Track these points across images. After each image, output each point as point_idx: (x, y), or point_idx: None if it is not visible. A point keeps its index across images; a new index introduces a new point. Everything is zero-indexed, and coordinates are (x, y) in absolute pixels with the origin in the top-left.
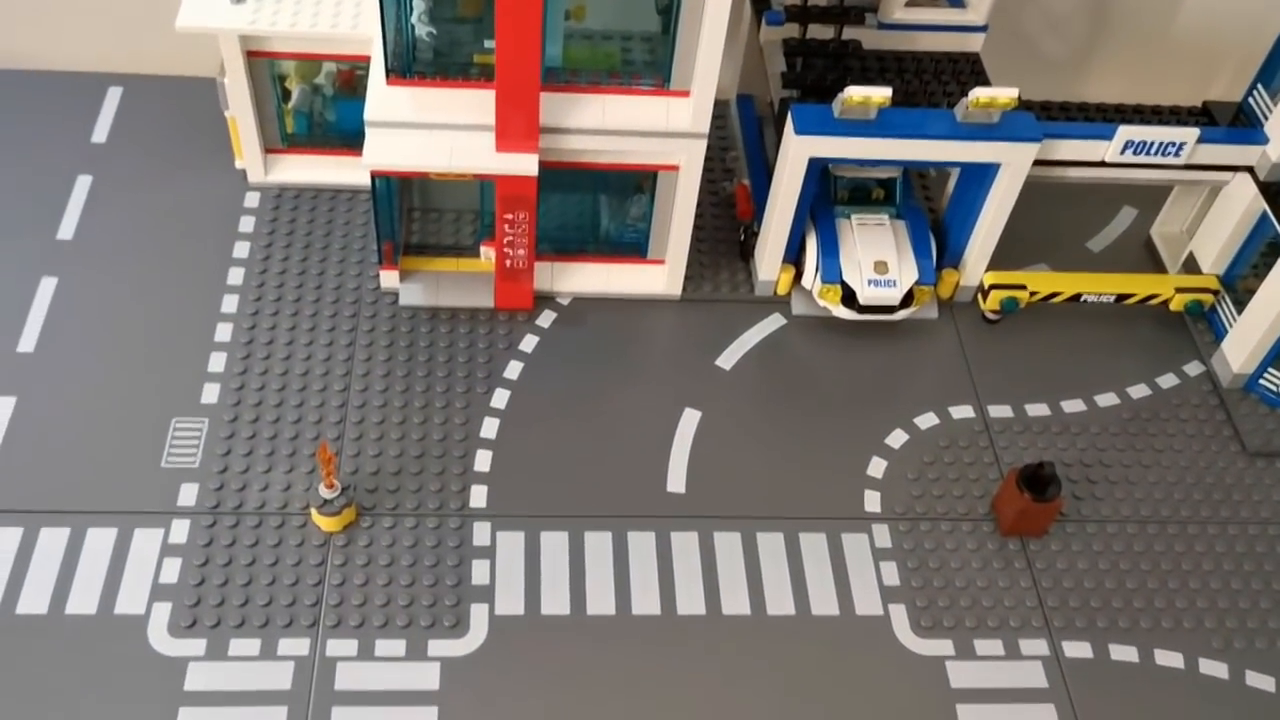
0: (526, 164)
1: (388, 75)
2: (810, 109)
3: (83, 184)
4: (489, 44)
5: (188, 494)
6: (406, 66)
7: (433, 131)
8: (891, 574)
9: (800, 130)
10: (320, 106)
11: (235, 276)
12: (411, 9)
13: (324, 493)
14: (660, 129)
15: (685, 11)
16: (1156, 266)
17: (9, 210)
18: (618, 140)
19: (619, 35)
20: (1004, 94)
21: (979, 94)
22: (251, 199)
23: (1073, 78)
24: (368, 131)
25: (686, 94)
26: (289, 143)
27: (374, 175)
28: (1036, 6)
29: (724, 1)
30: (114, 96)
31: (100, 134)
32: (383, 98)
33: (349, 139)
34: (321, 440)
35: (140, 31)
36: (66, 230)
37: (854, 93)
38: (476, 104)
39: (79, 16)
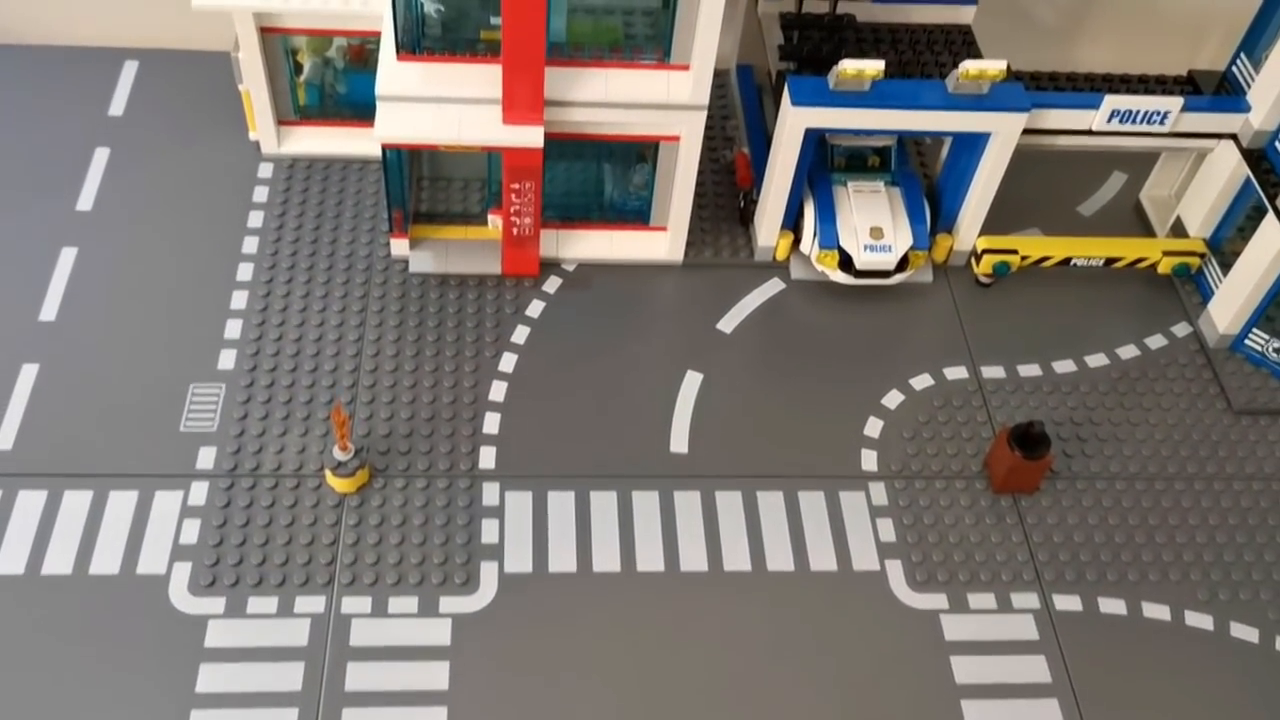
0: (532, 136)
1: (398, 51)
2: (806, 81)
3: (100, 156)
4: (495, 20)
5: (206, 457)
6: (416, 42)
7: (441, 105)
8: (888, 530)
9: (797, 102)
10: (331, 79)
11: (250, 245)
12: None
13: (338, 455)
14: (661, 102)
15: None
16: (1146, 229)
17: (30, 182)
18: (620, 113)
19: (620, 10)
20: (993, 66)
21: (969, 66)
22: (265, 169)
23: (1063, 45)
24: (379, 106)
25: (686, 68)
26: (301, 114)
27: (385, 147)
28: None
29: None
30: (130, 70)
31: (117, 107)
32: (393, 73)
33: (360, 110)
34: (336, 403)
35: (155, 6)
36: (85, 201)
37: (848, 66)
38: (484, 78)
39: None
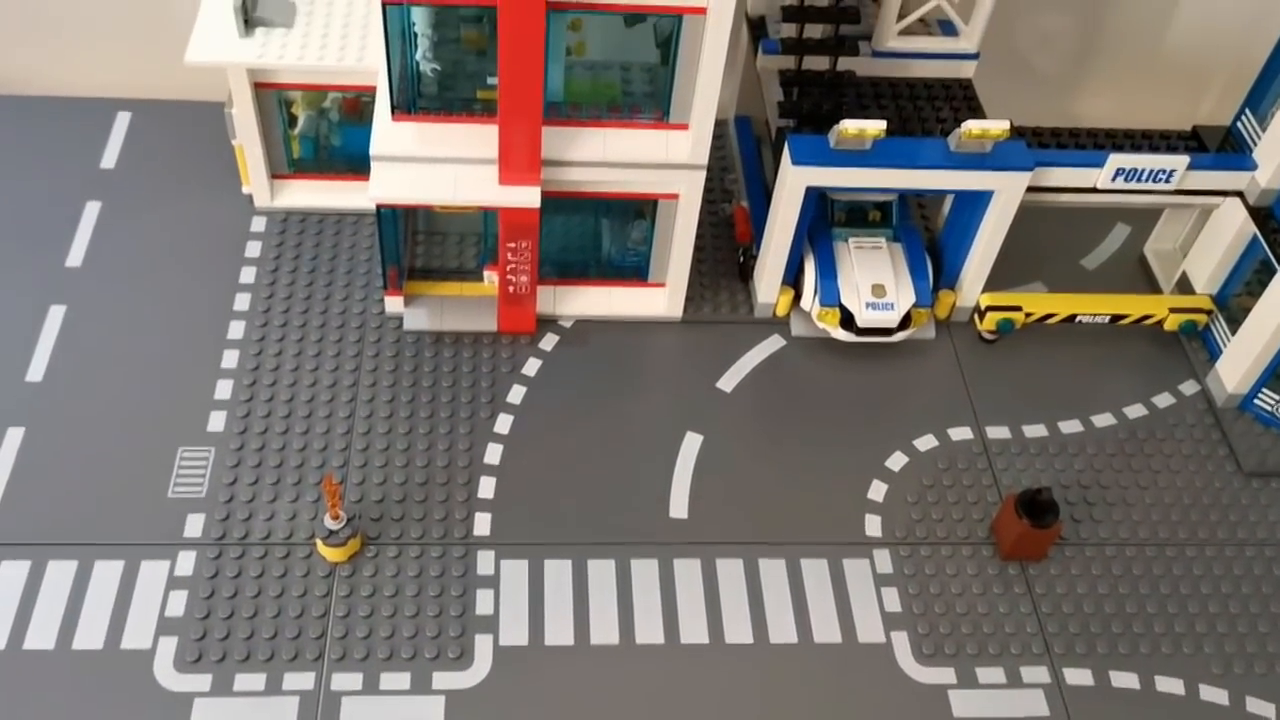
0: (529, 196)
1: (393, 111)
2: (807, 140)
3: (91, 210)
4: (492, 80)
5: (194, 524)
6: (411, 102)
7: (437, 165)
8: (893, 600)
9: (797, 161)
10: (326, 132)
11: (242, 302)
12: (416, 46)
13: (329, 524)
14: (660, 161)
15: (684, 48)
16: (1150, 283)
17: (19, 237)
18: (618, 172)
19: (618, 66)
20: (996, 126)
21: (971, 126)
22: (258, 223)
23: (1064, 97)
24: (373, 166)
25: (685, 127)
26: (295, 168)
27: (379, 207)
28: (1027, 25)
29: (721, 39)
30: (123, 121)
31: (109, 160)
32: (388, 133)
33: (354, 164)
34: (327, 472)
35: (148, 57)
36: (75, 257)
37: (849, 125)
38: (479, 138)
39: (87, 42)
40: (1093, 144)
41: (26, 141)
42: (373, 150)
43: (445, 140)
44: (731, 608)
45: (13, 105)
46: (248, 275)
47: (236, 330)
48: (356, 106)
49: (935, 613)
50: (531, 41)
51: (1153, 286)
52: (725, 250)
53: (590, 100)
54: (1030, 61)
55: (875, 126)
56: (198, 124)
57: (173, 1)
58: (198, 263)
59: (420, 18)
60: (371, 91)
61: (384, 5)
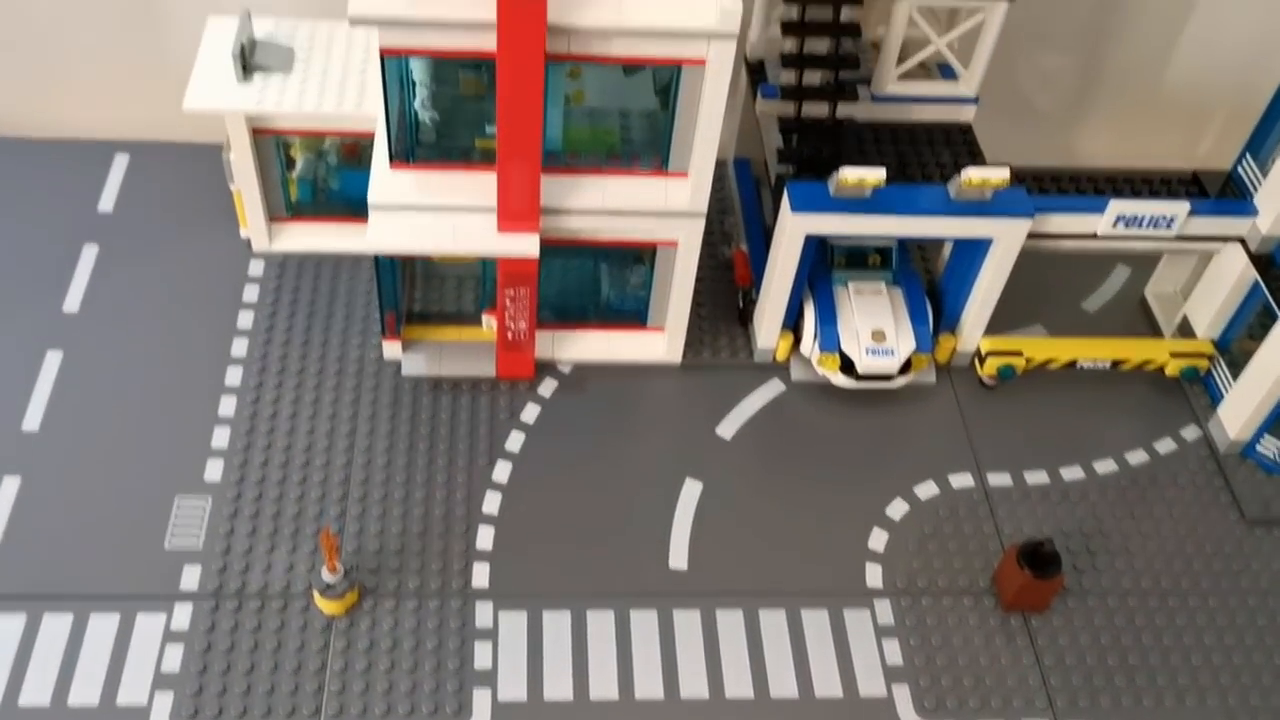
0: (528, 245)
1: (391, 160)
2: (806, 187)
3: (89, 254)
4: (490, 129)
5: (190, 576)
6: (410, 151)
7: (435, 214)
8: (894, 652)
9: (797, 208)
10: (324, 175)
11: (239, 348)
12: (414, 95)
13: (327, 576)
14: (659, 209)
15: (683, 97)
16: (1151, 326)
17: (16, 281)
18: (618, 219)
19: (617, 113)
20: (996, 174)
21: (971, 174)
22: (256, 267)
23: (1062, 136)
24: (371, 215)
25: (685, 174)
26: (293, 211)
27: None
28: (1027, 64)
29: (721, 88)
30: (121, 164)
31: (107, 203)
32: (386, 181)
33: (352, 206)
34: (325, 524)
35: (146, 99)
36: (73, 302)
37: (849, 174)
38: (478, 187)
39: (85, 84)
40: (1093, 188)
41: (24, 184)
42: (371, 199)
43: (444, 189)
44: (732, 661)
45: (10, 147)
46: (245, 320)
47: (234, 376)
48: (355, 150)
49: (937, 665)
50: (531, 91)
51: (1153, 329)
52: (724, 294)
53: (589, 148)
54: (1029, 100)
55: (875, 175)
56: (195, 165)
57: (170, 43)
58: (195, 307)
59: (419, 67)
60: (369, 137)
61: (383, 55)
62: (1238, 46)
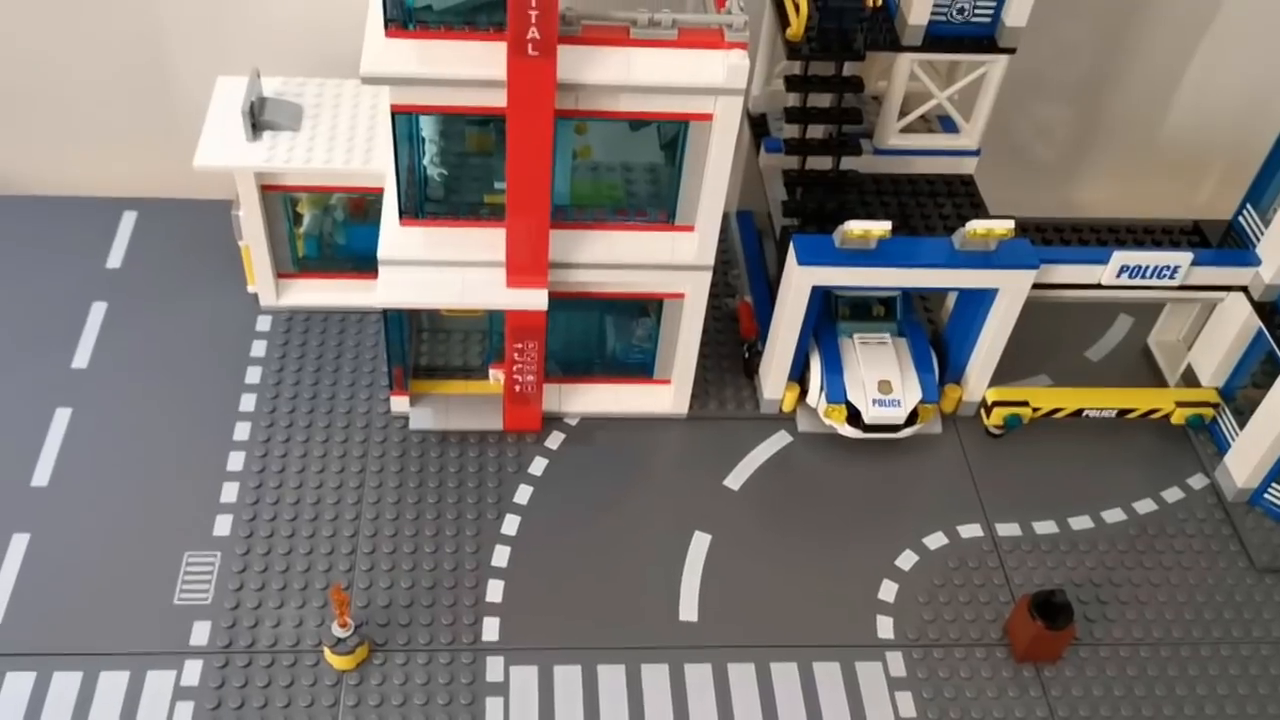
0: (536, 299)
1: (400, 216)
2: (811, 239)
3: (98, 311)
4: (500, 185)
5: (200, 632)
6: (419, 207)
7: (444, 269)
8: (907, 705)
9: (803, 261)
10: (330, 230)
11: (248, 403)
12: (424, 152)
13: (337, 632)
14: (666, 262)
15: (690, 152)
16: (1155, 374)
17: (25, 339)
18: (625, 273)
19: (621, 167)
20: (1000, 225)
21: (976, 225)
22: (263, 322)
23: (1063, 186)
24: (381, 270)
25: (691, 228)
26: (300, 267)
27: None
28: (1027, 116)
29: (728, 143)
30: (129, 221)
31: (115, 259)
32: (395, 237)
33: (359, 262)
34: (335, 581)
35: (154, 156)
36: (81, 359)
37: (854, 227)
38: (486, 242)
39: (93, 142)
40: (1095, 239)
41: (33, 241)
42: (380, 255)
43: (453, 244)
44: (745, 715)
45: (19, 205)
46: (253, 375)
47: (242, 431)
48: (362, 205)
49: (951, 717)
50: (540, 147)
51: (1157, 378)
52: (729, 345)
53: (596, 202)
54: (1030, 151)
55: (880, 228)
56: (203, 221)
57: (178, 101)
58: (204, 363)
59: (429, 124)
60: (375, 192)
61: (394, 112)
62: (1235, 97)
